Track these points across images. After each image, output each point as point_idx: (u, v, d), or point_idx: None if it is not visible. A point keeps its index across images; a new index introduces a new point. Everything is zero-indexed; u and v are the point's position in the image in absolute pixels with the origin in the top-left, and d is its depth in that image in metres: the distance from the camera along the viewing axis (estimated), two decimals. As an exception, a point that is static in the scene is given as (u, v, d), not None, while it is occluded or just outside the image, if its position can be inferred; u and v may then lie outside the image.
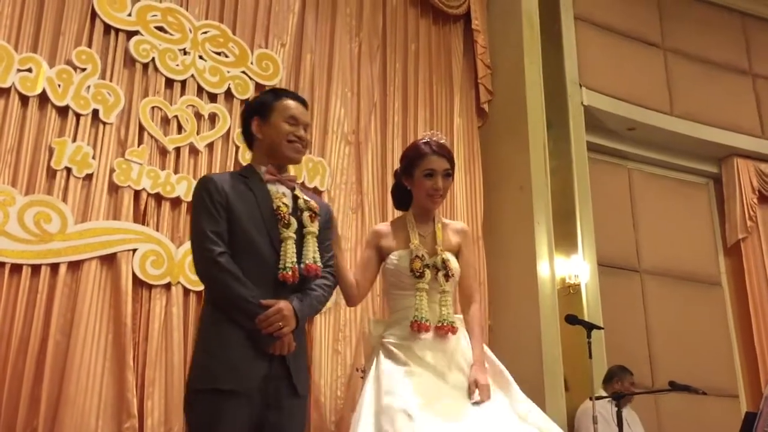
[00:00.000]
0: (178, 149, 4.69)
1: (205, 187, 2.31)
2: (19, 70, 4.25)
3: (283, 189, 2.41)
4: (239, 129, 2.62)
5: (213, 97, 4.92)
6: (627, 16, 6.86)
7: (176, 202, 4.55)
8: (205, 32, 4.99)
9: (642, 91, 6.65)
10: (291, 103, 2.45)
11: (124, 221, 4.36)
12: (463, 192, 5.79)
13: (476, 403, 2.37)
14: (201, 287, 3.64)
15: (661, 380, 5.79)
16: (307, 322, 4.41)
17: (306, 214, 2.37)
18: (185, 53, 4.85)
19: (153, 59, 4.71)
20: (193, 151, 4.75)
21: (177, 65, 4.79)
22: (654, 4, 7.12)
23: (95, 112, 4.44)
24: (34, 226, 4.08)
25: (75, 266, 4.18)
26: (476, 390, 2.40)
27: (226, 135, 4.85)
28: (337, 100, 5.42)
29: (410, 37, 6.01)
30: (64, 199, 4.23)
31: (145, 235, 4.39)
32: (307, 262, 2.31)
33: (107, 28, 4.63)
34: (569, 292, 5.56)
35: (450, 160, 2.66)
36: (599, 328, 4.79)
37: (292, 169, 4.85)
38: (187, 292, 4.44)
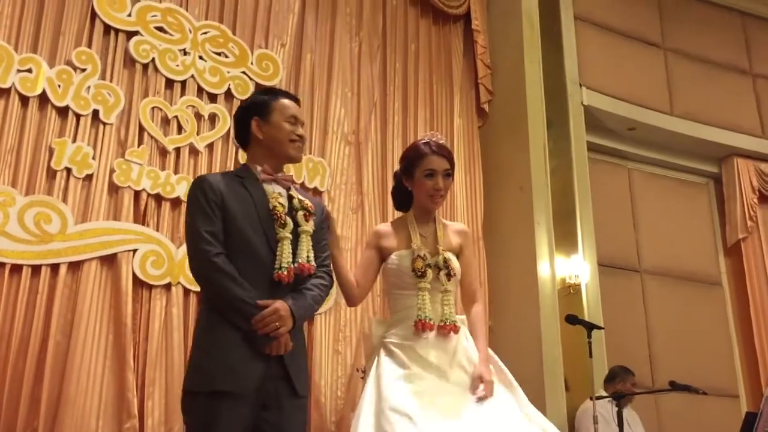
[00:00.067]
0: (178, 149, 4.69)
1: (200, 186, 2.30)
2: (19, 71, 4.25)
3: (278, 189, 2.41)
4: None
5: (213, 98, 4.92)
6: (627, 16, 6.86)
7: (176, 202, 4.55)
8: (205, 32, 4.99)
9: (642, 90, 6.65)
10: (288, 102, 2.46)
11: (124, 222, 4.36)
12: (463, 192, 5.79)
13: (480, 399, 2.37)
14: (201, 287, 3.64)
15: (661, 380, 5.79)
16: (306, 322, 4.38)
17: (300, 214, 2.37)
18: (185, 53, 4.86)
19: (153, 59, 4.71)
20: (193, 151, 4.75)
21: (177, 65, 4.80)
22: (654, 3, 7.12)
23: (95, 113, 4.44)
24: (34, 226, 4.08)
25: (75, 267, 4.18)
26: (480, 385, 2.40)
27: (226, 135, 4.85)
28: (337, 100, 5.43)
29: (410, 37, 6.01)
30: (64, 200, 4.23)
31: (145, 236, 4.39)
32: (300, 261, 2.30)
33: (107, 29, 4.64)
34: (569, 292, 5.55)
35: (450, 160, 2.66)
36: (599, 328, 4.79)
37: (292, 169, 4.89)
38: (187, 292, 4.44)
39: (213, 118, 4.86)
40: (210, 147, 4.82)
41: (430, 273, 2.55)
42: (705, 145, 6.96)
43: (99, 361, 4.08)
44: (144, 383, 4.16)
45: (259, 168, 2.40)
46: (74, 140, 4.33)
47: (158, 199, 4.52)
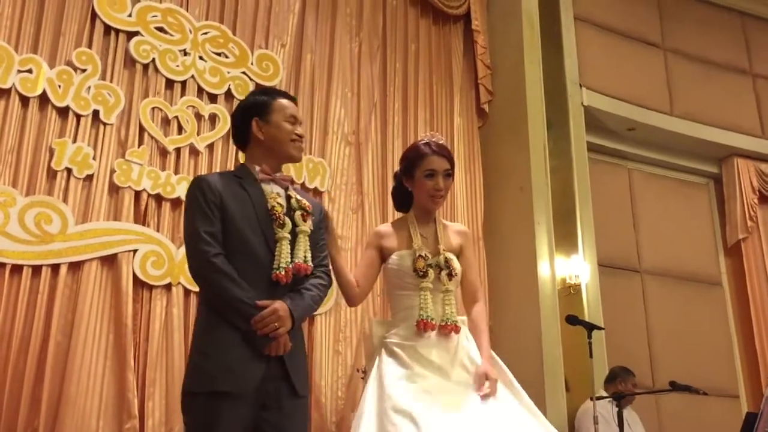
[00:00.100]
0: (178, 150, 4.69)
1: (198, 187, 2.30)
2: (19, 71, 4.25)
3: (277, 189, 2.41)
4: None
5: (213, 98, 4.92)
6: (627, 16, 6.86)
7: (177, 202, 4.55)
8: (206, 33, 5.00)
9: (642, 91, 6.65)
10: (287, 102, 2.46)
11: (124, 222, 4.36)
12: (463, 192, 5.80)
13: (484, 397, 2.38)
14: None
15: (661, 380, 5.79)
16: (306, 322, 4.39)
17: (298, 213, 2.37)
18: (185, 54, 4.86)
19: (153, 60, 4.71)
20: (194, 151, 4.75)
21: (177, 66, 4.80)
22: (654, 4, 7.13)
23: (95, 113, 4.44)
24: (34, 226, 4.08)
25: (76, 267, 4.18)
26: (486, 382, 2.41)
27: (227, 136, 4.85)
28: (338, 101, 5.43)
29: (410, 37, 6.01)
30: (65, 200, 4.23)
31: (145, 236, 4.40)
32: (296, 261, 2.30)
33: (107, 29, 4.64)
34: (570, 292, 5.55)
35: (450, 160, 2.67)
36: (600, 328, 4.80)
37: (292, 170, 4.89)
38: (187, 292, 4.44)
39: (213, 118, 4.87)
40: (210, 147, 4.82)
41: (431, 273, 2.55)
42: (705, 146, 6.96)
43: (99, 361, 4.08)
44: (144, 384, 4.16)
45: (257, 168, 2.40)
46: (74, 140, 4.33)
47: (159, 199, 4.52)
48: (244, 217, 2.28)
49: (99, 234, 4.26)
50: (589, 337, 4.49)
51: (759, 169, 7.14)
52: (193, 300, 4.44)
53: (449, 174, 2.65)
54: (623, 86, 6.53)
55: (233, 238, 2.25)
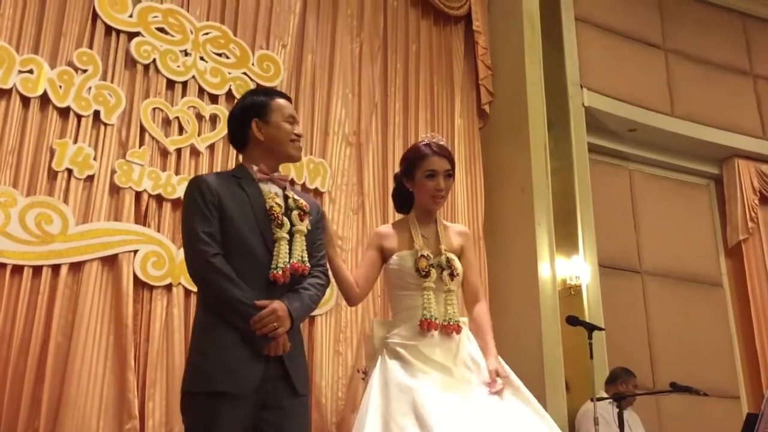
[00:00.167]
0: (179, 150, 4.69)
1: (197, 187, 2.30)
2: (20, 72, 4.25)
3: (275, 188, 2.41)
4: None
5: (214, 99, 4.92)
6: (628, 17, 6.86)
7: (177, 203, 4.54)
8: (206, 33, 5.00)
9: (643, 92, 6.65)
10: (284, 102, 2.47)
11: (125, 222, 4.36)
12: (463, 193, 5.80)
13: (497, 393, 2.39)
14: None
15: (662, 381, 5.79)
16: (306, 322, 4.38)
17: (295, 213, 2.37)
18: (186, 54, 4.86)
19: (154, 60, 4.71)
20: (195, 152, 4.75)
21: (178, 66, 4.80)
22: (655, 5, 7.13)
23: (96, 114, 4.44)
24: (35, 227, 4.08)
25: (76, 267, 4.18)
26: (498, 379, 2.42)
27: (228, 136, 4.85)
28: (338, 101, 5.43)
29: (411, 38, 6.02)
30: (66, 201, 4.23)
31: (146, 236, 4.40)
32: (293, 261, 2.30)
33: (108, 30, 4.63)
34: (570, 293, 5.55)
35: (450, 160, 2.67)
36: (600, 329, 4.80)
37: (293, 170, 4.89)
38: (188, 293, 4.44)
39: (214, 119, 4.87)
40: (211, 148, 4.82)
41: (433, 273, 2.56)
42: (706, 146, 6.95)
43: (100, 361, 4.07)
44: (145, 384, 4.16)
45: (255, 168, 2.40)
46: (75, 141, 4.33)
47: (159, 199, 4.52)
48: (243, 217, 2.28)
49: (99, 234, 4.26)
50: (590, 337, 4.49)
51: (760, 170, 7.13)
52: (194, 300, 4.43)
53: (450, 174, 2.66)
54: (624, 87, 6.53)
55: (232, 239, 2.25)
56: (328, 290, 2.61)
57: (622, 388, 4.98)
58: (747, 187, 7.02)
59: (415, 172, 2.65)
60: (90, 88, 4.44)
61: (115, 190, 4.40)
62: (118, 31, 4.66)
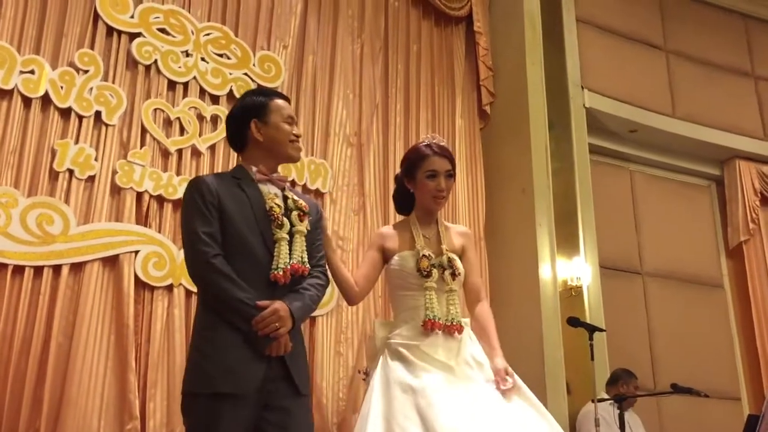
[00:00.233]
0: (180, 151, 4.69)
1: (197, 187, 2.30)
2: (21, 72, 4.26)
3: (274, 189, 2.41)
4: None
5: (215, 99, 4.92)
6: (629, 18, 6.87)
7: (178, 203, 4.54)
8: (208, 34, 5.00)
9: (644, 93, 6.65)
10: (283, 102, 2.47)
11: (126, 223, 4.36)
12: (464, 194, 5.80)
13: (508, 391, 2.41)
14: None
15: (663, 383, 5.79)
16: (307, 323, 4.38)
17: (294, 213, 2.37)
18: (187, 55, 4.86)
19: (155, 61, 4.71)
20: (196, 153, 4.75)
21: (179, 67, 4.80)
22: (656, 5, 7.13)
23: (98, 114, 4.44)
24: (36, 227, 4.08)
25: (77, 268, 4.18)
26: (507, 377, 2.44)
27: (229, 137, 4.85)
28: (339, 102, 5.43)
29: (412, 38, 6.02)
30: (67, 201, 4.23)
31: (147, 237, 4.40)
32: (293, 261, 2.30)
33: (110, 30, 4.64)
34: (571, 294, 5.55)
35: (451, 160, 2.68)
36: (601, 330, 4.79)
37: (293, 171, 4.89)
38: (189, 293, 4.44)
39: (215, 119, 4.87)
40: (212, 148, 4.82)
41: (435, 273, 2.56)
42: (707, 148, 6.95)
43: (101, 362, 4.07)
44: (146, 385, 4.16)
45: (254, 168, 2.40)
46: (76, 141, 4.34)
47: (160, 200, 4.52)
48: (243, 217, 2.28)
49: (101, 235, 4.26)
50: (591, 339, 4.49)
51: (761, 171, 7.13)
52: (195, 301, 4.43)
53: (451, 174, 2.66)
54: (625, 88, 6.53)
55: (232, 239, 2.25)
56: (329, 291, 2.61)
57: (623, 389, 4.98)
58: (748, 188, 7.01)
59: (416, 172, 2.65)
60: (91, 88, 4.44)
61: (116, 190, 4.40)
62: (120, 32, 4.66)
